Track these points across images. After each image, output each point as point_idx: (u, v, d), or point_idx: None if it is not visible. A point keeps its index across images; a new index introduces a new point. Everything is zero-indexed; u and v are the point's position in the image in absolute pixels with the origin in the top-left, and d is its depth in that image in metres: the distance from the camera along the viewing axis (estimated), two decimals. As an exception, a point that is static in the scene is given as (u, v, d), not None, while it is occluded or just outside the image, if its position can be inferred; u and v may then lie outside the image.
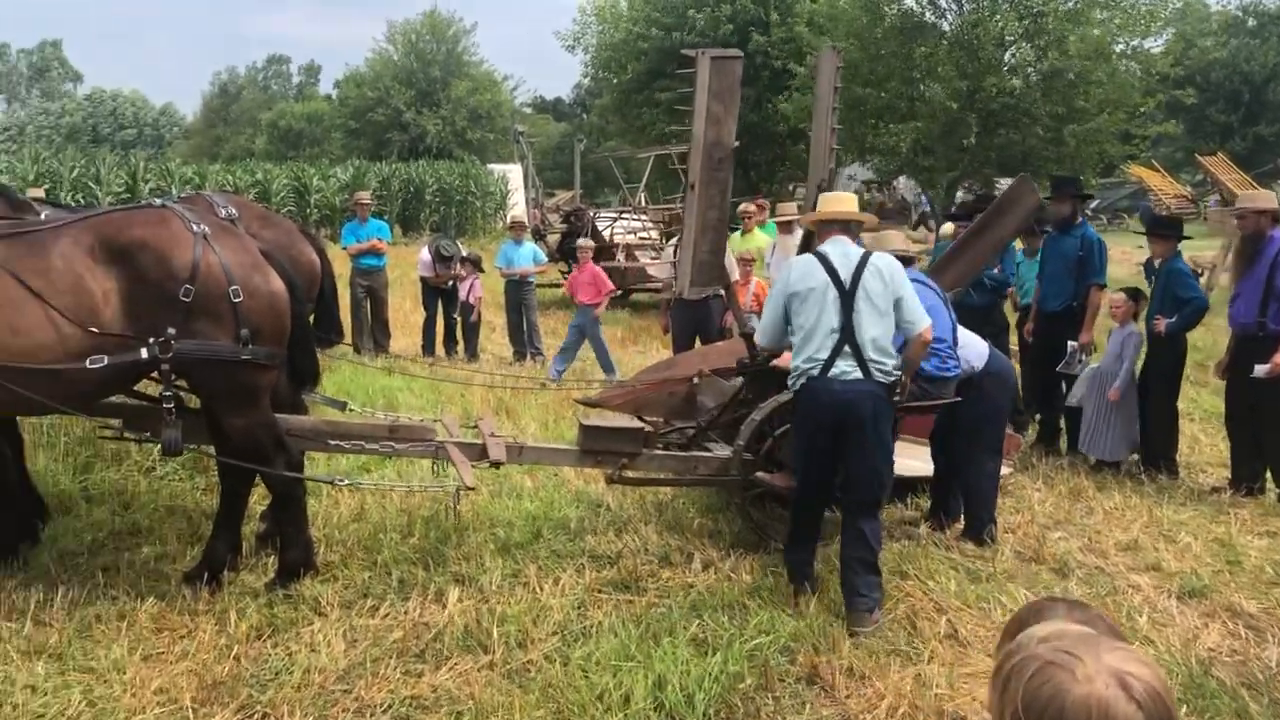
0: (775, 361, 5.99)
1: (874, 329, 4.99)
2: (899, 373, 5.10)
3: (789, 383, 5.31)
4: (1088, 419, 7.94)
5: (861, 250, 5.18)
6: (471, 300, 12.65)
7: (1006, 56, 19.73)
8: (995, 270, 8.60)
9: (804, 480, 5.38)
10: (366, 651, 4.56)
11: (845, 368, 4.98)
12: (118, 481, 6.64)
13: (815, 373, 5.02)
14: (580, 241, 12.70)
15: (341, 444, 5.54)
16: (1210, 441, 8.76)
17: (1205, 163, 44.37)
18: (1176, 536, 6.33)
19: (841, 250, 5.14)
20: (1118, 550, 6.14)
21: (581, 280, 11.75)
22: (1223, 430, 8.80)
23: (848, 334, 4.97)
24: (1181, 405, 8.16)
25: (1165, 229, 7.70)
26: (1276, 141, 50.90)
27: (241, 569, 5.44)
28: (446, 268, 12.63)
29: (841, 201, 5.50)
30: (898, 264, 5.22)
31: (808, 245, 6.13)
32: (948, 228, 10.95)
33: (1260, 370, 6.88)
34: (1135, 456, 7.89)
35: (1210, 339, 11.07)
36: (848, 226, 5.33)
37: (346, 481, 5.66)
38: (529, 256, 12.86)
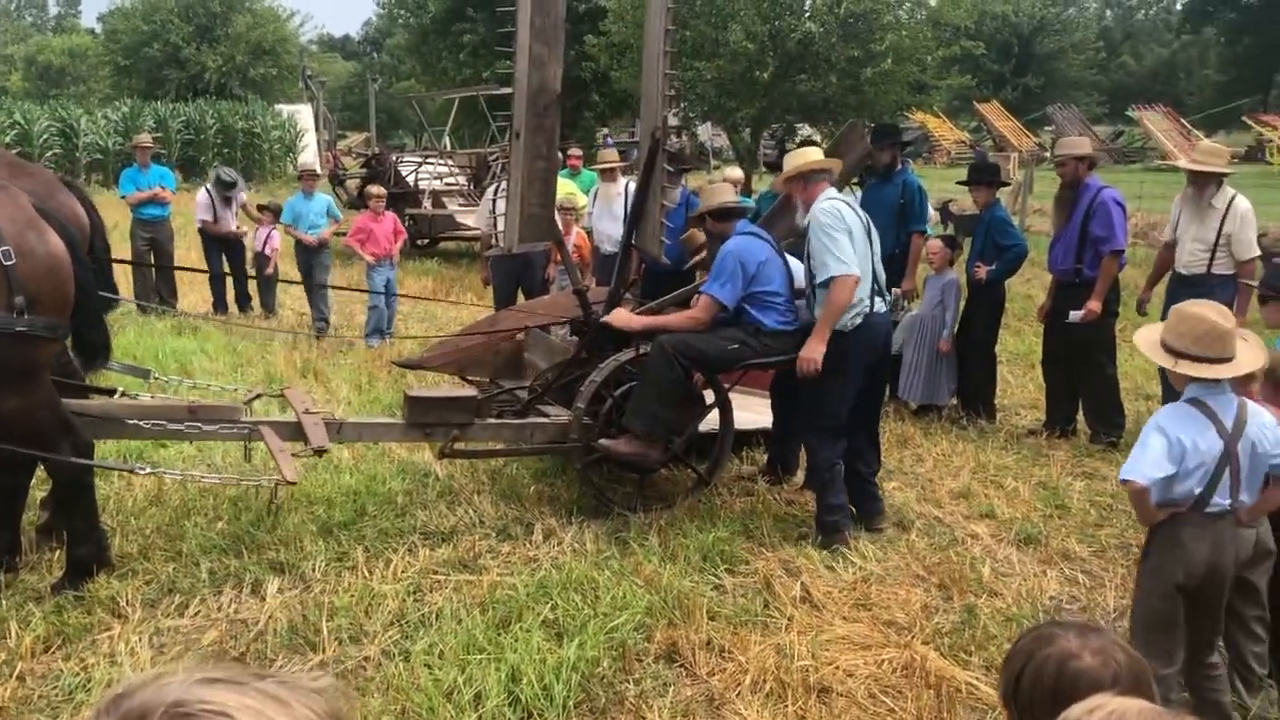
0: (608, 319, 5.73)
1: (879, 268, 5.61)
2: None
3: (845, 321, 5.37)
4: (907, 365, 8.01)
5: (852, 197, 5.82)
6: (268, 252, 11.74)
7: (806, 3, 19.88)
8: None
9: (845, 414, 5.58)
10: (178, 658, 4.06)
11: (879, 305, 5.51)
12: None
13: (867, 309, 5.41)
14: (372, 189, 11.70)
15: (140, 425, 4.91)
16: (1019, 383, 9.03)
17: (981, 109, 46.85)
18: (1004, 482, 6.45)
19: (846, 198, 5.68)
20: (951, 499, 6.20)
21: (383, 230, 10.66)
22: (1030, 372, 9.13)
23: (874, 273, 5.49)
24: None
25: (986, 176, 7.77)
26: (1042, 92, 54.17)
27: (21, 569, 4.78)
28: (227, 194, 11.62)
29: (809, 154, 5.71)
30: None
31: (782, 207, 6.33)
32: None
33: (1075, 316, 7.05)
34: (954, 401, 8.03)
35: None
36: (829, 175, 5.70)
37: (148, 470, 5.03)
38: (323, 210, 11.09)
